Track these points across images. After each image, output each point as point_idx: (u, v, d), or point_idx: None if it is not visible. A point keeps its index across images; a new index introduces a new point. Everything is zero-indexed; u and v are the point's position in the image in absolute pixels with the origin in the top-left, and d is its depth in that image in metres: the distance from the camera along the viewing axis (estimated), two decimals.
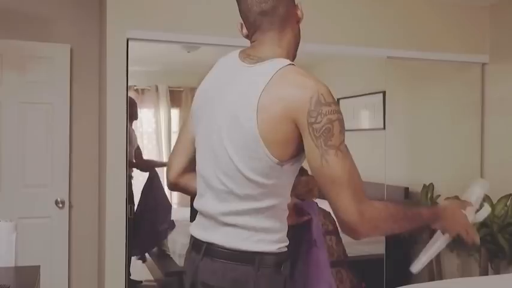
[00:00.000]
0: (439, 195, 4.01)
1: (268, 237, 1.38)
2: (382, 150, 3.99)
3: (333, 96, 1.32)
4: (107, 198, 3.28)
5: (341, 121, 1.33)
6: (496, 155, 3.93)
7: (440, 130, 4.28)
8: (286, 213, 1.45)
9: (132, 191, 3.57)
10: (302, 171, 3.20)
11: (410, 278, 4.19)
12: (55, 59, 3.68)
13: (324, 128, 1.29)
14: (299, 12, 1.48)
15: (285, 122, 1.30)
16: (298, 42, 1.51)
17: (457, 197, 4.24)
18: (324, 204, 2.99)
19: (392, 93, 4.13)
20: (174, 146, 1.62)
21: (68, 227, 3.72)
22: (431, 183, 4.02)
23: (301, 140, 1.32)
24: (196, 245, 1.45)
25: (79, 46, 3.78)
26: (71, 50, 3.74)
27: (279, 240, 1.41)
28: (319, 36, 3.63)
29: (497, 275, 3.43)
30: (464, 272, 4.01)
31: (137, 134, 3.84)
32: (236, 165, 1.35)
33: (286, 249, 1.42)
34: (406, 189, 4.20)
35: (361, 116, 4.73)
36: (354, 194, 1.29)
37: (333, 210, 1.32)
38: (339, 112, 1.33)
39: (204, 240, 1.42)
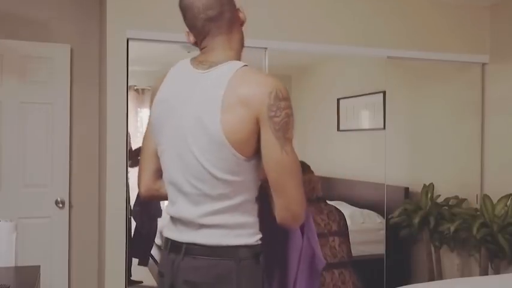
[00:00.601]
0: (439, 195, 4.02)
1: (245, 232, 1.45)
2: (382, 150, 3.99)
3: (288, 92, 1.42)
4: (107, 198, 3.28)
5: (293, 116, 1.44)
6: (496, 155, 3.93)
7: (441, 130, 4.28)
8: (257, 206, 1.50)
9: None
10: (303, 170, 3.17)
11: (410, 278, 4.19)
12: (55, 59, 3.69)
13: (282, 122, 1.39)
14: (241, 15, 1.55)
15: (248, 119, 1.36)
16: (243, 44, 1.59)
17: (456, 197, 4.28)
18: (341, 206, 2.97)
19: (393, 93, 4.13)
20: (140, 161, 1.66)
21: (68, 227, 3.72)
22: (432, 183, 4.02)
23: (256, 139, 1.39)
24: (174, 246, 1.49)
25: (79, 46, 3.78)
26: (71, 50, 3.74)
27: (254, 233, 1.48)
28: (319, 36, 3.64)
29: (497, 275, 3.42)
30: (465, 272, 4.01)
31: (137, 134, 3.83)
32: (205, 167, 1.40)
33: (260, 241, 1.49)
34: (406, 189, 4.20)
35: (361, 116, 4.73)
36: (301, 185, 1.42)
37: (286, 200, 1.41)
38: (292, 108, 1.44)
39: (183, 241, 1.47)
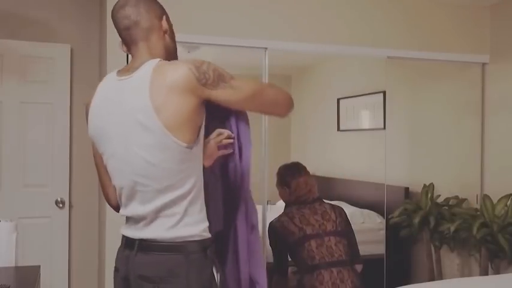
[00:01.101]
0: (439, 195, 4.02)
1: (192, 220, 1.53)
2: (383, 150, 3.99)
3: (201, 60, 1.52)
4: None
5: (214, 64, 1.55)
6: (496, 155, 3.93)
7: (441, 130, 4.28)
8: (202, 194, 1.58)
9: None
10: (298, 172, 3.18)
11: (410, 278, 4.19)
12: (55, 59, 3.69)
13: (215, 76, 1.50)
14: (163, 24, 1.64)
15: (183, 101, 1.45)
16: (172, 52, 1.68)
17: (457, 197, 4.28)
18: (341, 206, 2.95)
19: (393, 93, 4.13)
20: (99, 178, 1.75)
21: (68, 227, 3.72)
22: (432, 183, 4.02)
23: (199, 117, 1.50)
24: (128, 243, 1.59)
25: (79, 46, 3.78)
26: (71, 50, 3.74)
27: (201, 220, 1.56)
28: (319, 36, 3.64)
29: (498, 275, 3.42)
30: (465, 272, 4.01)
31: None
32: (151, 163, 1.48)
33: (209, 235, 1.58)
34: (407, 189, 4.20)
35: (362, 116, 4.73)
36: (270, 87, 1.64)
37: (272, 106, 1.66)
38: (208, 61, 1.54)
39: (135, 237, 1.56)
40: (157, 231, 1.52)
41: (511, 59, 3.83)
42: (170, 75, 1.45)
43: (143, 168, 1.49)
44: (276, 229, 2.90)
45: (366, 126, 4.73)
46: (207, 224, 1.59)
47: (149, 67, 1.50)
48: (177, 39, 1.70)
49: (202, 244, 1.54)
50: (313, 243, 2.80)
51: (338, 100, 4.79)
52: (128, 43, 1.64)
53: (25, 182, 3.62)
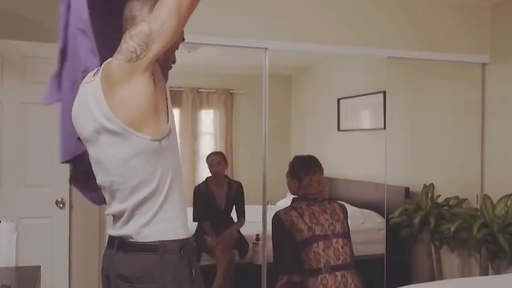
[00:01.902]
0: (440, 195, 4.02)
1: (167, 216, 1.52)
2: (383, 150, 3.99)
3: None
4: None
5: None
6: (496, 155, 3.93)
7: (441, 130, 4.28)
8: (178, 187, 1.55)
9: None
10: (312, 169, 2.98)
11: (411, 278, 4.20)
12: (56, 59, 3.68)
13: (139, 41, 1.41)
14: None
15: (131, 92, 1.42)
16: (164, 57, 1.59)
17: (457, 197, 4.27)
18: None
19: (393, 93, 4.14)
20: None
21: (68, 227, 3.72)
22: (432, 183, 4.02)
23: (155, 101, 1.44)
24: (110, 241, 1.59)
25: None
26: None
27: (177, 216, 1.54)
28: (319, 37, 3.64)
29: (498, 275, 3.43)
30: (465, 272, 4.01)
31: None
32: (122, 160, 1.47)
33: (187, 234, 1.56)
34: (407, 189, 4.21)
35: (362, 116, 4.73)
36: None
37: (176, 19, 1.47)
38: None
39: (115, 235, 1.56)
40: (133, 228, 1.51)
41: (511, 59, 3.83)
42: (108, 73, 1.45)
43: (117, 167, 1.49)
44: (282, 223, 2.74)
45: (366, 126, 4.73)
46: (183, 220, 1.57)
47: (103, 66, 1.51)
48: None
49: (178, 244, 1.52)
50: (321, 244, 2.69)
51: (338, 100, 4.79)
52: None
53: (25, 182, 3.62)
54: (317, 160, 2.96)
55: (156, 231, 1.51)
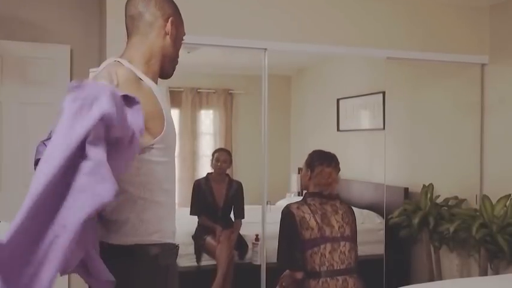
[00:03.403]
0: (439, 196, 4.02)
1: (147, 218, 1.48)
2: (382, 151, 3.99)
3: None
4: None
5: None
6: (496, 156, 3.94)
7: (440, 130, 4.28)
8: (158, 196, 1.50)
9: None
10: (328, 161, 2.85)
11: (410, 279, 4.20)
12: (55, 60, 3.69)
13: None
14: (168, 26, 1.60)
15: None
16: (169, 56, 1.62)
17: (456, 197, 4.27)
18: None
19: (392, 93, 4.14)
20: None
21: None
22: (431, 183, 4.02)
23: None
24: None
25: (79, 47, 3.78)
26: (71, 51, 3.74)
27: (161, 220, 1.52)
28: (319, 37, 3.64)
29: (497, 275, 3.43)
30: (464, 272, 4.01)
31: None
32: None
33: (166, 239, 1.53)
34: (406, 189, 4.21)
35: (361, 116, 4.74)
36: None
37: None
38: None
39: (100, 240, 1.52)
40: (109, 233, 1.49)
41: (510, 59, 3.83)
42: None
43: None
44: (292, 216, 2.66)
45: (366, 127, 4.73)
46: (167, 225, 1.54)
47: (104, 64, 1.54)
48: None
49: (153, 249, 1.49)
50: (328, 247, 2.64)
51: (338, 100, 4.79)
52: (128, 32, 1.61)
53: (25, 183, 3.61)
54: (336, 157, 2.89)
55: (131, 237, 1.48)
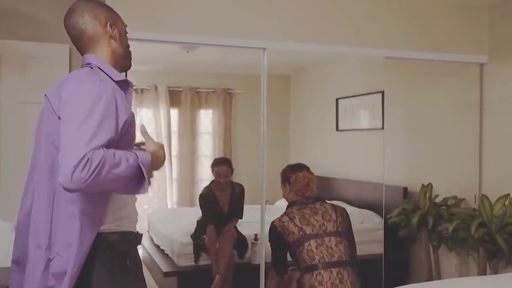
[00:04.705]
0: (438, 195, 4.02)
1: (111, 209, 1.60)
2: (381, 150, 3.99)
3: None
4: None
5: None
6: (495, 155, 3.94)
7: (439, 130, 4.29)
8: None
9: None
10: (299, 169, 3.18)
11: (409, 278, 4.20)
12: (54, 60, 3.68)
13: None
14: (109, 31, 1.70)
15: None
16: (120, 54, 1.74)
17: (455, 197, 4.27)
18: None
19: (391, 93, 4.14)
20: None
21: None
22: (430, 183, 4.03)
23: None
24: None
25: None
26: (70, 50, 3.74)
27: (120, 209, 1.62)
28: (318, 37, 3.64)
29: (496, 275, 3.44)
30: (463, 272, 4.02)
31: (137, 133, 3.84)
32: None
33: (121, 229, 1.62)
34: (405, 189, 4.21)
35: (360, 115, 4.74)
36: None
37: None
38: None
39: None
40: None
41: (509, 59, 3.84)
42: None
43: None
44: (276, 228, 2.92)
45: (365, 126, 4.74)
46: (121, 216, 1.63)
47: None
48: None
49: (112, 237, 1.60)
50: (312, 243, 2.80)
51: (337, 100, 4.80)
52: (79, 50, 1.74)
53: (24, 182, 3.62)
54: (304, 164, 3.16)
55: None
